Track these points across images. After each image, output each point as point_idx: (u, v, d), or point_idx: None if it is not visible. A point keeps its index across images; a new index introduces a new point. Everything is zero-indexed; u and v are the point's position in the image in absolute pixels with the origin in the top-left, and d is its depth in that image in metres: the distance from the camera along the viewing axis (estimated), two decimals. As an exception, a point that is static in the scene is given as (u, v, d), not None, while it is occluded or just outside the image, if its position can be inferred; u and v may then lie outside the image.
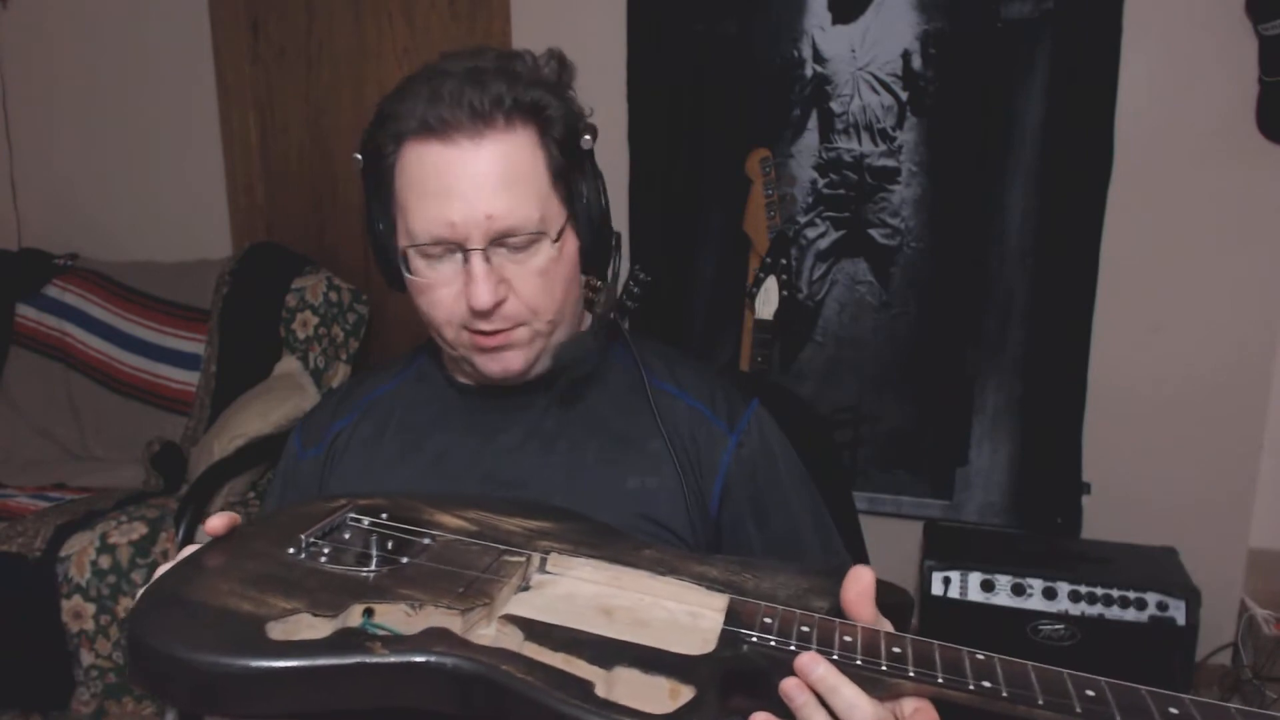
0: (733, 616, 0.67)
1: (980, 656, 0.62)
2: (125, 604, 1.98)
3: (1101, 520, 2.22)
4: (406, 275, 0.90)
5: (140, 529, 2.02)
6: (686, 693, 0.60)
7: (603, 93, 2.56)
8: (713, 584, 0.73)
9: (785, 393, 1.69)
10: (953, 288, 2.31)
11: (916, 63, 2.25)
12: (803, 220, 2.37)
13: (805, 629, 0.65)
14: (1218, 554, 2.17)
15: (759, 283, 2.15)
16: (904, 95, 2.26)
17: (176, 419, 2.60)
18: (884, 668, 0.62)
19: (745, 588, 0.72)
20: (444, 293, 0.89)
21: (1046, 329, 2.24)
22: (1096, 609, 1.86)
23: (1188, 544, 2.07)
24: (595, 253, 0.94)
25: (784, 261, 2.14)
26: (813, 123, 2.33)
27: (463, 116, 0.84)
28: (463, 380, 1.00)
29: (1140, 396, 2.23)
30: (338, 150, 2.78)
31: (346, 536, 0.76)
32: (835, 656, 0.62)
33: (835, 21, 2.28)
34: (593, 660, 0.63)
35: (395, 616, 0.66)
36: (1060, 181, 2.19)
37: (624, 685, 0.61)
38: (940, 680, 0.60)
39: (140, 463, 2.40)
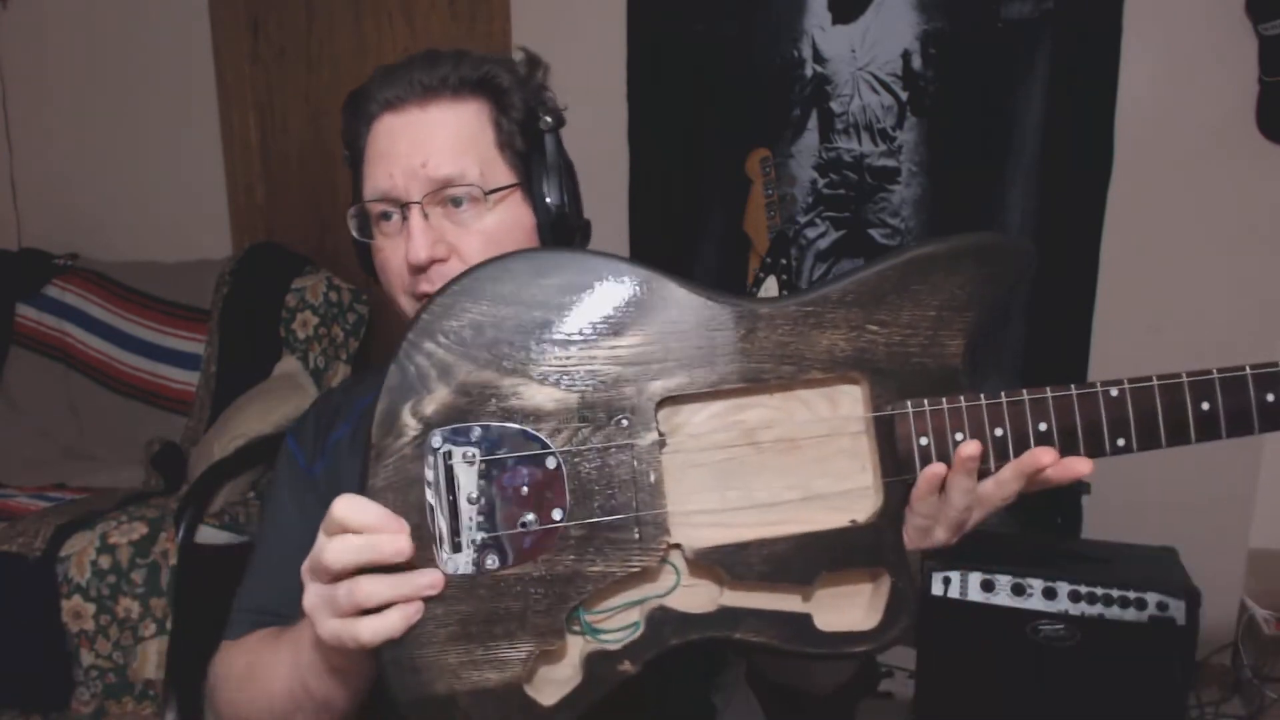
0: (889, 449, 0.70)
1: (1114, 392, 0.70)
2: (125, 604, 1.98)
3: (1101, 520, 2.21)
4: (358, 239, 0.92)
5: (140, 529, 2.02)
6: (884, 579, 0.68)
7: (603, 93, 2.56)
8: (844, 364, 0.70)
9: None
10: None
11: (916, 63, 2.25)
12: (803, 220, 2.37)
13: (959, 436, 0.70)
14: (1218, 554, 2.17)
15: (759, 283, 2.15)
16: (904, 95, 2.26)
17: (176, 419, 2.60)
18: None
19: (876, 353, 0.70)
20: (391, 254, 0.89)
21: (1046, 329, 2.24)
22: (1096, 609, 1.86)
23: (1188, 544, 2.07)
24: (554, 234, 0.91)
25: (784, 261, 2.14)
26: (813, 123, 2.33)
27: (412, 92, 0.87)
28: None
29: (1140, 396, 2.23)
30: (338, 150, 2.75)
31: (477, 496, 0.67)
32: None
33: (835, 21, 2.28)
34: (794, 579, 0.68)
35: (603, 602, 0.69)
36: (1060, 181, 2.19)
37: (829, 600, 0.69)
38: (1083, 452, 0.70)
39: (140, 463, 2.40)
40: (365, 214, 0.91)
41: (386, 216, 0.89)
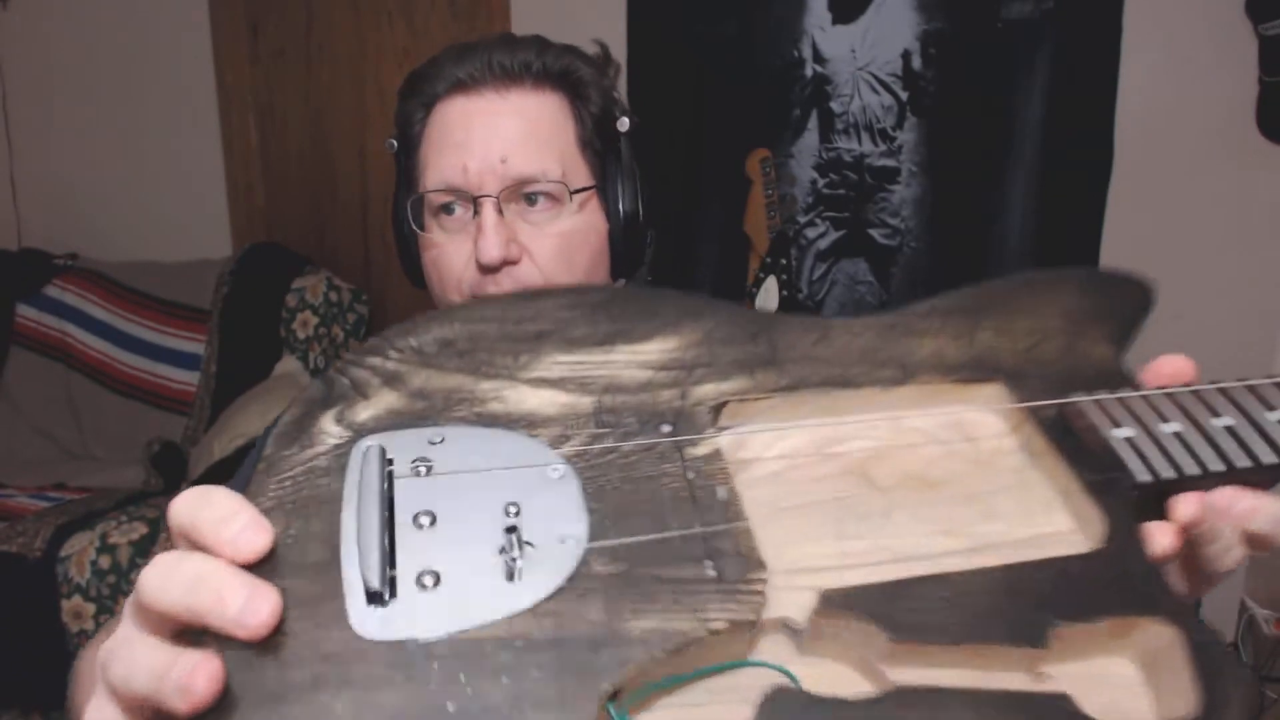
0: (1078, 455, 0.47)
1: None
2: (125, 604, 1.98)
3: (1101, 520, 2.22)
4: (416, 231, 0.84)
5: (140, 529, 2.02)
6: (1165, 634, 0.40)
7: (603, 93, 2.56)
8: (961, 371, 0.52)
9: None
10: (953, 288, 2.30)
11: (916, 63, 2.25)
12: (803, 220, 2.37)
13: (1176, 426, 0.47)
14: (1218, 554, 2.17)
15: (759, 283, 2.15)
16: (904, 95, 2.26)
17: (176, 419, 2.60)
18: None
19: (1001, 358, 0.52)
20: (452, 251, 0.81)
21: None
22: (1096, 609, 1.86)
23: (1188, 544, 2.07)
24: (625, 244, 0.86)
25: (784, 261, 2.14)
26: (813, 123, 2.33)
27: (490, 74, 0.81)
28: None
29: (1140, 396, 2.23)
30: (338, 150, 2.78)
31: (427, 522, 0.42)
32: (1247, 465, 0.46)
33: (835, 21, 2.28)
34: (1014, 639, 0.40)
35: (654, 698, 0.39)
36: (1060, 181, 2.19)
37: (1078, 677, 0.40)
38: None
39: (140, 463, 2.40)
40: (420, 203, 0.83)
41: (449, 209, 0.81)
